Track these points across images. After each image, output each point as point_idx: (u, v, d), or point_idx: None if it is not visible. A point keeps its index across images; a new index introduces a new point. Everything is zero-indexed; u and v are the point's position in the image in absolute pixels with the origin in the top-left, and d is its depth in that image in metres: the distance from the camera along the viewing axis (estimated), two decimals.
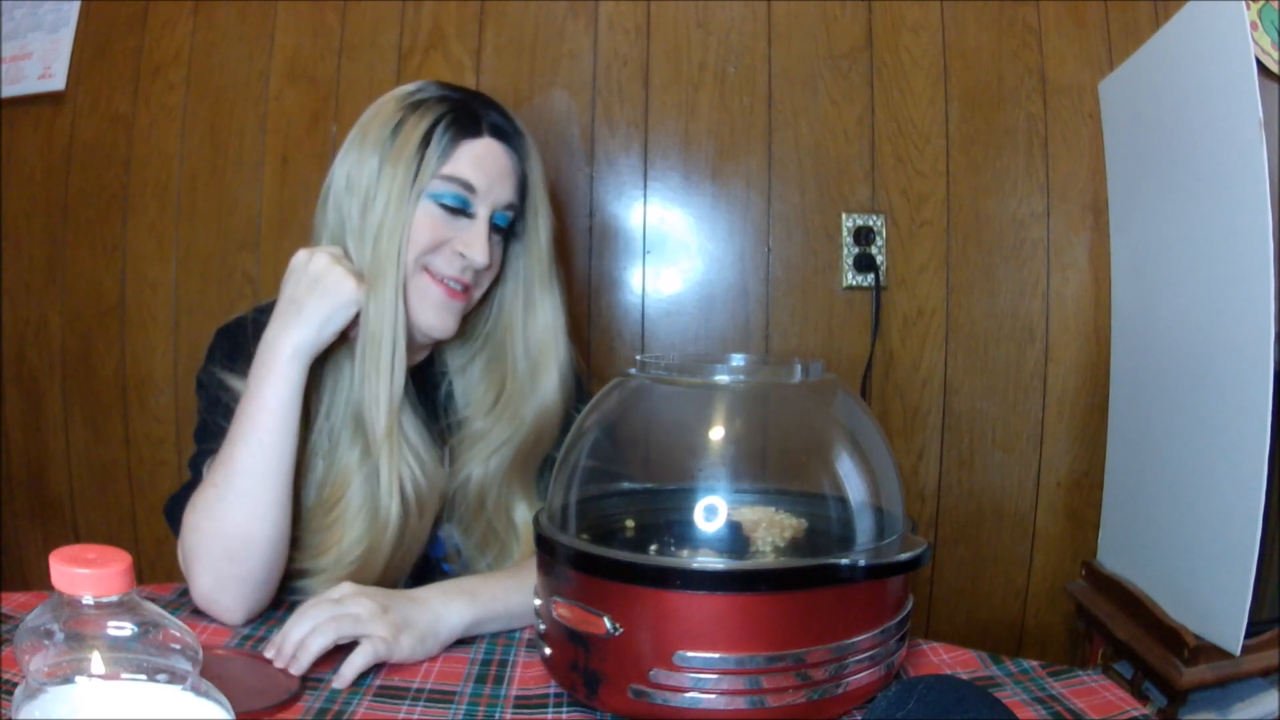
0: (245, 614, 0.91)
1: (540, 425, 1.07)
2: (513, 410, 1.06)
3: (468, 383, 1.10)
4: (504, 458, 1.06)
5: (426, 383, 1.10)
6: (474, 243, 1.00)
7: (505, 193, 1.02)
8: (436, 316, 1.01)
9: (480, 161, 1.00)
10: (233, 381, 0.98)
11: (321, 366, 0.99)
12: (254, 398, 0.92)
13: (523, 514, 1.07)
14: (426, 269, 1.00)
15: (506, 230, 1.05)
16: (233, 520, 0.90)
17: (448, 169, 0.99)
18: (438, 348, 1.12)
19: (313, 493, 0.99)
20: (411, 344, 1.03)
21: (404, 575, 1.03)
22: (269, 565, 0.92)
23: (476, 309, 1.09)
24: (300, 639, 0.79)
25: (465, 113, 1.01)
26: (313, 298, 0.93)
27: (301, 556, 0.97)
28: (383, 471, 0.96)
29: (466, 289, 1.02)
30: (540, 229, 1.07)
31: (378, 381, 0.96)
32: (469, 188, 0.99)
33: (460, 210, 1.00)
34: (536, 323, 1.07)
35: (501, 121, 1.04)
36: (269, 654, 0.80)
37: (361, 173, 0.99)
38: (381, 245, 0.97)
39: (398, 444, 0.97)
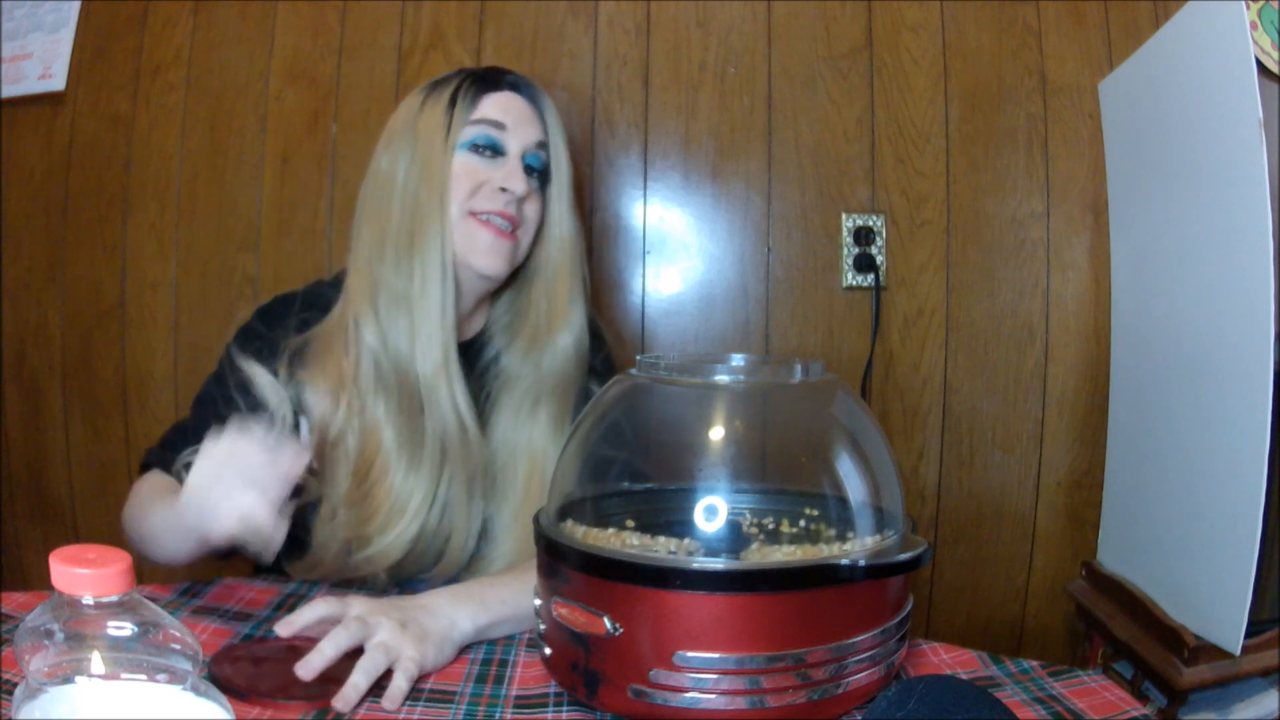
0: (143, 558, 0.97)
1: (562, 365, 1.10)
2: (536, 349, 1.11)
3: (508, 338, 1.14)
4: (528, 399, 1.10)
5: (474, 358, 1.13)
6: (511, 175, 1.06)
7: (533, 132, 1.09)
8: (486, 258, 1.06)
9: (505, 106, 1.08)
10: (254, 370, 1.04)
11: (327, 358, 1.04)
12: (177, 523, 0.89)
13: (532, 450, 1.09)
14: (473, 214, 1.06)
15: (542, 173, 1.11)
16: (147, 546, 0.98)
17: (476, 115, 1.07)
18: (490, 334, 1.16)
19: (350, 464, 1.03)
20: (462, 307, 1.09)
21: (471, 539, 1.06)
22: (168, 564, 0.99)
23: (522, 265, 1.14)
24: (332, 656, 0.77)
25: (483, 74, 1.11)
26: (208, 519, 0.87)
27: (355, 523, 1.01)
28: (442, 397, 1.02)
29: (513, 228, 1.07)
30: (562, 172, 1.12)
31: (428, 327, 1.02)
32: (498, 125, 1.07)
33: (494, 150, 1.07)
34: (553, 259, 1.12)
35: (518, 79, 1.12)
36: (302, 672, 0.77)
37: (397, 154, 1.07)
38: (421, 198, 1.04)
39: (456, 376, 1.03)
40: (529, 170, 1.09)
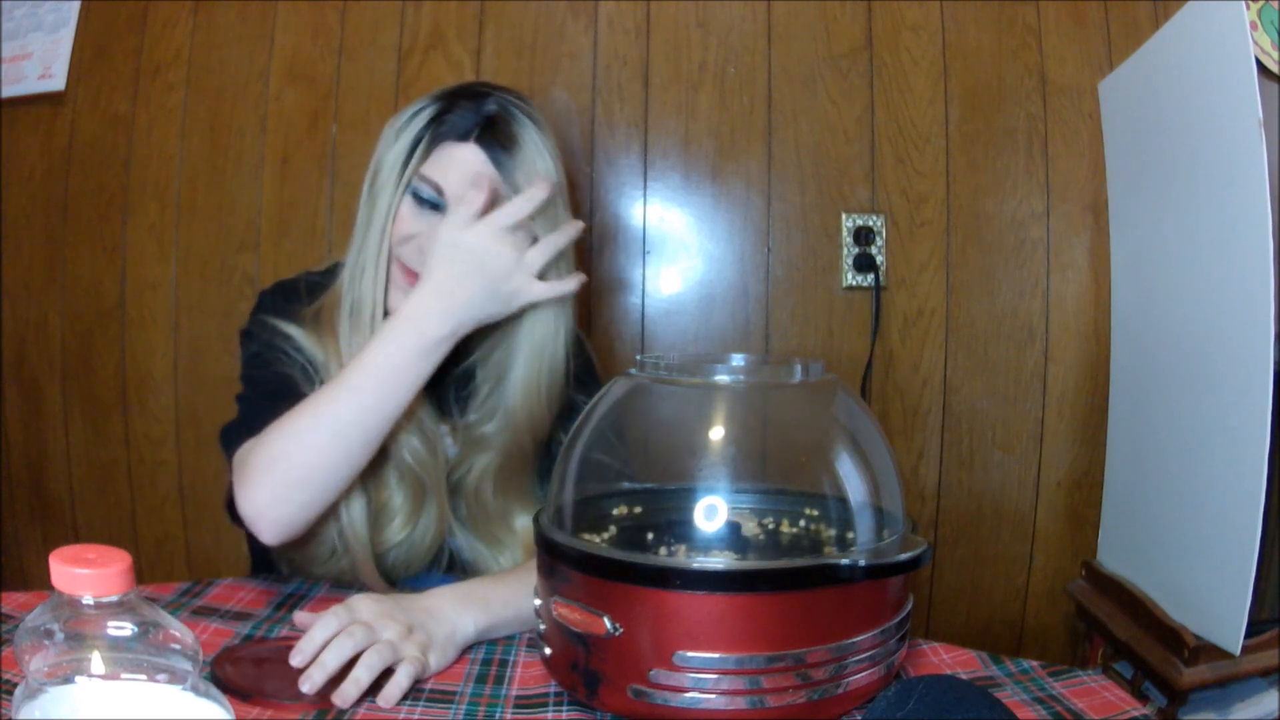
0: (281, 537, 0.94)
1: (529, 430, 1.08)
2: (506, 412, 1.07)
3: (487, 374, 1.11)
4: (497, 457, 1.07)
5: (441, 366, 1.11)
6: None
7: (480, 199, 1.02)
8: (394, 297, 1.04)
9: (454, 166, 1.02)
10: (288, 327, 1.04)
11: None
12: (383, 362, 0.93)
13: (520, 520, 1.09)
14: (397, 258, 1.04)
15: None
16: (319, 456, 0.93)
17: (425, 169, 1.02)
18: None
19: None
20: None
21: (431, 546, 1.06)
22: (326, 503, 0.95)
23: None
24: (334, 667, 0.77)
25: (461, 115, 1.03)
26: (482, 283, 0.95)
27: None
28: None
29: None
30: (541, 225, 1.04)
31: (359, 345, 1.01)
32: (439, 190, 1.02)
33: (434, 207, 1.03)
34: (535, 326, 1.06)
35: (498, 131, 1.03)
36: (305, 687, 0.77)
37: (374, 167, 1.06)
38: (374, 225, 1.03)
39: None
40: None
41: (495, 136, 1.03)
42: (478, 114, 1.04)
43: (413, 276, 1.02)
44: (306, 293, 1.10)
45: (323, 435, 0.93)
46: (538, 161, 1.04)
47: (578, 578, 0.73)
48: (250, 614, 0.93)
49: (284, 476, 0.93)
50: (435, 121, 1.03)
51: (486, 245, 0.95)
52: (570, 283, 1.00)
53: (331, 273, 1.13)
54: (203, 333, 1.62)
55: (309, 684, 0.75)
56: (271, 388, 1.03)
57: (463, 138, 1.02)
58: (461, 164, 1.02)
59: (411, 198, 1.03)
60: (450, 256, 0.95)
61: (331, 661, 0.76)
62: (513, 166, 1.03)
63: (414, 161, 1.02)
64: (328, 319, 1.07)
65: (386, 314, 1.04)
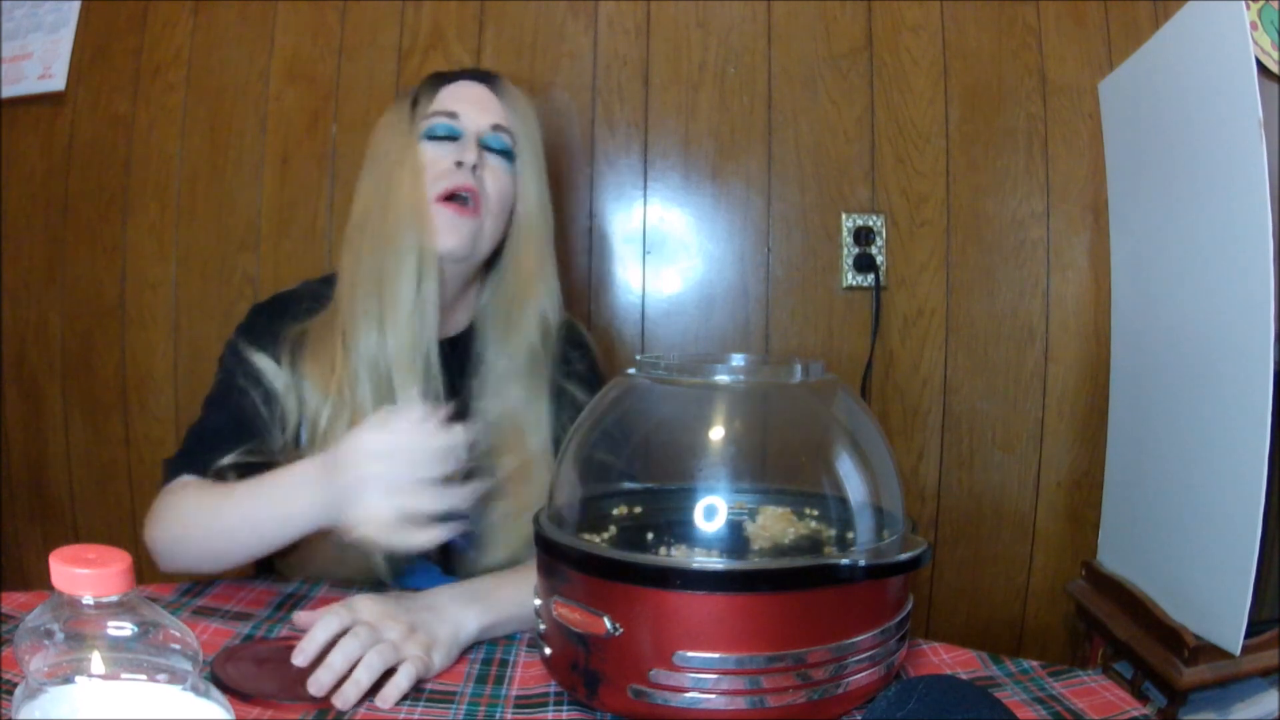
0: (169, 572, 0.99)
1: (530, 336, 1.12)
2: (509, 327, 1.12)
3: (488, 329, 1.15)
4: (504, 382, 1.11)
5: (462, 355, 1.14)
6: (463, 150, 1.08)
7: (488, 116, 1.12)
8: (444, 235, 1.07)
9: (458, 94, 1.12)
10: (258, 359, 1.06)
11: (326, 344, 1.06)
12: (272, 499, 0.93)
13: (537, 444, 1.10)
14: (436, 199, 1.07)
15: (506, 153, 1.12)
16: (207, 540, 0.97)
17: (433, 108, 1.11)
18: (476, 328, 1.16)
19: None
20: (442, 298, 1.09)
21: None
22: (215, 571, 1.00)
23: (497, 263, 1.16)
24: (342, 668, 0.77)
25: (444, 72, 1.16)
26: (367, 495, 0.86)
27: None
28: (413, 396, 1.02)
29: (474, 202, 1.07)
30: (526, 152, 1.14)
31: (396, 321, 1.03)
32: (452, 115, 1.10)
33: (450, 138, 1.10)
34: (520, 234, 1.14)
35: (476, 70, 1.17)
36: (314, 690, 0.76)
37: (372, 162, 1.11)
38: (393, 189, 1.06)
39: (432, 376, 1.05)
40: (489, 149, 1.11)
41: (481, 74, 1.16)
42: (467, 68, 1.18)
43: (453, 203, 1.07)
44: (303, 301, 1.11)
45: (221, 525, 0.96)
46: (527, 108, 1.15)
47: (578, 578, 0.73)
48: (250, 614, 0.93)
49: (177, 538, 0.98)
50: (426, 83, 1.14)
51: (401, 476, 0.85)
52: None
53: (330, 281, 1.13)
54: (203, 333, 1.62)
55: (317, 687, 0.74)
56: (218, 427, 1.04)
57: (455, 79, 1.14)
58: (466, 91, 1.12)
59: (427, 141, 1.09)
60: (371, 458, 0.86)
61: (339, 664, 0.76)
62: (510, 98, 1.14)
63: (419, 111, 1.10)
64: (314, 339, 1.07)
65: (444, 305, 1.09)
